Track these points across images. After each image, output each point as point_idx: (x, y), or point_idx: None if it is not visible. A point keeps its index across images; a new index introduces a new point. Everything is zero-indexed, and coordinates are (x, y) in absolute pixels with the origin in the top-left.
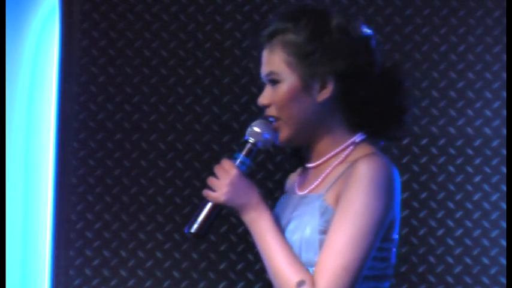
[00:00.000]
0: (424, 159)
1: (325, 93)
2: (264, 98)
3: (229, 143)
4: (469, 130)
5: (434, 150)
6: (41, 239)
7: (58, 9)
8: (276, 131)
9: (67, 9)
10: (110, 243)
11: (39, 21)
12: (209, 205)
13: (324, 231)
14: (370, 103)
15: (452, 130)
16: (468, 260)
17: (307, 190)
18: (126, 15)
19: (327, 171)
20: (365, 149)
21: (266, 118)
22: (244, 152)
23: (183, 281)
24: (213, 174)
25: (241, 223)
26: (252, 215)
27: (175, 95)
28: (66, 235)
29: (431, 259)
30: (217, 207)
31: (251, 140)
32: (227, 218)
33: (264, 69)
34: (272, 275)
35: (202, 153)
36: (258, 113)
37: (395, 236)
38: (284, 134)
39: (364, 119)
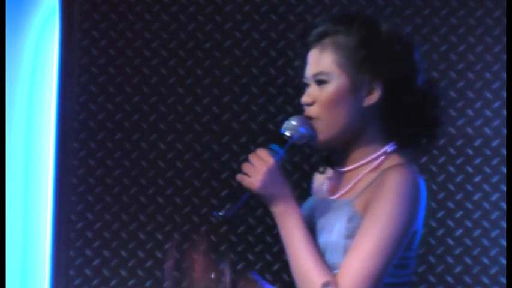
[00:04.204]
0: (424, 159)
1: (372, 99)
2: (308, 97)
3: (229, 143)
4: (469, 130)
5: (434, 150)
6: (41, 239)
7: (58, 9)
8: (314, 131)
9: (67, 9)
10: (110, 243)
11: (39, 21)
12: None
13: (350, 236)
14: (409, 112)
15: (452, 130)
16: (468, 260)
17: (337, 195)
18: (126, 15)
19: (358, 177)
20: (395, 159)
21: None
22: (279, 144)
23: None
24: (214, 174)
25: (241, 223)
26: (282, 207)
27: (175, 95)
28: (66, 235)
29: (431, 259)
30: (248, 194)
31: (287, 133)
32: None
33: (312, 69)
34: (297, 273)
35: (202, 153)
36: (258, 113)
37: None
38: (323, 135)
39: (401, 129)
